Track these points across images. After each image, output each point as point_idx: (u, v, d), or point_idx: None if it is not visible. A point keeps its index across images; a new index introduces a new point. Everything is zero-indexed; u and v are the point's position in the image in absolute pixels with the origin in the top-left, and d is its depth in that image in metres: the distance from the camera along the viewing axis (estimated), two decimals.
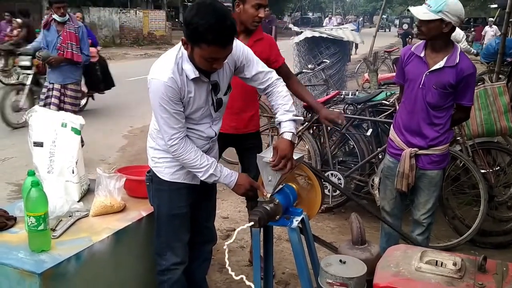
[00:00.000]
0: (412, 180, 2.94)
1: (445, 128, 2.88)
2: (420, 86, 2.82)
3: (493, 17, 21.13)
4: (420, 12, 2.70)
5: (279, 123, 2.27)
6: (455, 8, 2.65)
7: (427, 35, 2.76)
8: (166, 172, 2.32)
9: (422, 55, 2.83)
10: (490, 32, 18.21)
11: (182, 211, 2.36)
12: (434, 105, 2.82)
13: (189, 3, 24.29)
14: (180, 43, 2.08)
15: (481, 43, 19.24)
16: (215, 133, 2.36)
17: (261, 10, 2.90)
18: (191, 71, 2.09)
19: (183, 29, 2.01)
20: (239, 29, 2.99)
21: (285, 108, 2.27)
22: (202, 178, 2.27)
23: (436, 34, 2.72)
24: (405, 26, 35.96)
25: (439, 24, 2.67)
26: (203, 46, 1.95)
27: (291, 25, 12.85)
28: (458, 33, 8.43)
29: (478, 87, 4.04)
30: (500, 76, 6.68)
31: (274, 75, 2.36)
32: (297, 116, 2.31)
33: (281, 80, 2.38)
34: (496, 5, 23.18)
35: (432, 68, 2.77)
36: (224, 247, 1.99)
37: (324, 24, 24.37)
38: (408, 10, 3.42)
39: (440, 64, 2.75)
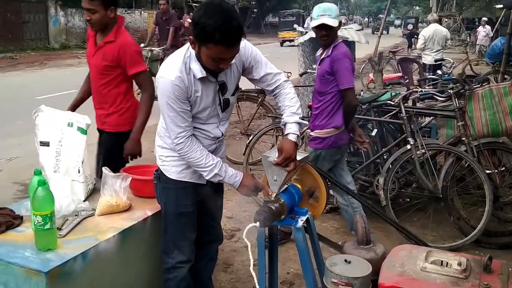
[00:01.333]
0: None
1: (323, 113, 3.39)
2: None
3: (497, 18, 21.16)
4: (331, 22, 3.23)
5: (285, 124, 2.28)
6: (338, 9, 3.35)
7: (331, 37, 3.32)
8: (173, 170, 2.34)
9: (318, 53, 3.52)
10: (482, 32, 17.94)
11: (188, 210, 2.37)
12: (318, 91, 3.41)
13: (193, 4, 24.38)
14: (189, 43, 2.10)
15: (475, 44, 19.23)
16: (222, 133, 2.37)
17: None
18: (198, 71, 2.10)
19: (191, 28, 2.02)
20: (97, 28, 3.11)
21: (291, 110, 2.28)
22: (207, 178, 2.28)
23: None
24: (410, 27, 35.84)
25: (338, 26, 3.30)
26: (210, 46, 1.96)
27: (295, 25, 12.81)
28: (444, 31, 9.03)
29: (483, 87, 4.03)
30: (506, 76, 6.67)
31: (282, 76, 2.37)
32: (303, 119, 2.33)
33: (290, 82, 2.40)
34: (501, 6, 23.07)
35: (319, 61, 3.41)
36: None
37: (305, 26, 23.30)
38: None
39: (323, 56, 3.37)
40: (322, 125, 3.41)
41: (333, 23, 3.25)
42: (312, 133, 3.49)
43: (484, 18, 20.99)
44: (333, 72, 3.28)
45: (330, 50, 3.31)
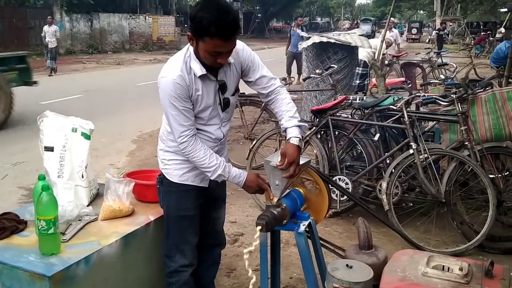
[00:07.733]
0: None
1: None
2: None
3: (501, 21, 20.64)
4: None
5: (285, 130, 2.29)
6: None
7: None
8: (174, 174, 2.36)
9: None
10: (390, 37, 13.58)
11: (190, 213, 2.39)
12: None
13: None
14: (189, 44, 2.13)
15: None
16: (224, 134, 2.39)
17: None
18: (198, 69, 2.14)
19: (189, 24, 2.07)
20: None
21: (289, 115, 2.30)
22: (211, 178, 2.30)
23: None
24: (414, 31, 35.69)
25: None
26: (206, 39, 2.01)
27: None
28: (375, 44, 8.88)
29: (486, 92, 4.02)
30: (510, 80, 6.64)
31: (277, 82, 2.39)
32: (302, 122, 2.34)
33: (284, 88, 2.42)
34: (506, 9, 23.03)
35: None
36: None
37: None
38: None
39: None
40: None
41: None
42: None
43: (393, 19, 17.16)
44: None
45: None
